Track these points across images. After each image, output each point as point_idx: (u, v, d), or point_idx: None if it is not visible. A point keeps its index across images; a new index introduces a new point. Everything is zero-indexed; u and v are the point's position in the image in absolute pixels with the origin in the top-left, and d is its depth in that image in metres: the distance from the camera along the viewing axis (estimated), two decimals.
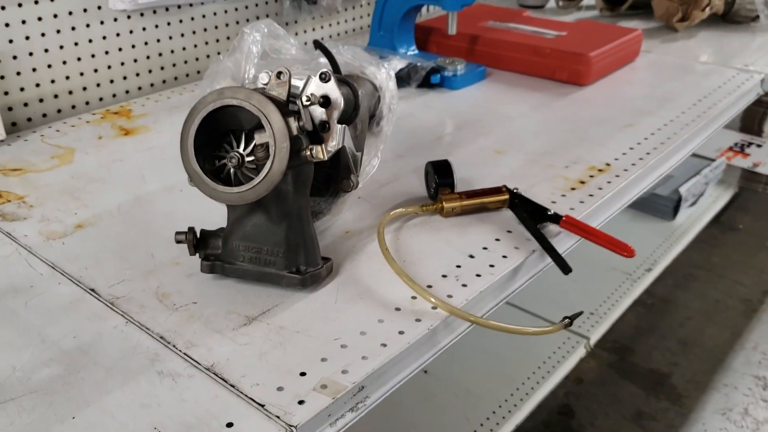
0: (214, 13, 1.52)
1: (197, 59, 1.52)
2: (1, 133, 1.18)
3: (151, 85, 1.46)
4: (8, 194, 1.04)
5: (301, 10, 1.62)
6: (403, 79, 1.44)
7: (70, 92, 1.34)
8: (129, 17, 1.38)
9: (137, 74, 1.43)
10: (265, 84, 0.85)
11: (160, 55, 1.46)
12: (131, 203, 1.01)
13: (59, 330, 0.75)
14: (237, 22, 1.57)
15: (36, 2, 1.24)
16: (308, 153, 0.75)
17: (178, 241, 0.81)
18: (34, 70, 1.28)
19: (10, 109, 1.27)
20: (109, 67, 1.38)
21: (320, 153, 0.76)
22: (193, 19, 1.48)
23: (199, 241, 0.82)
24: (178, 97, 1.42)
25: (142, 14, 1.39)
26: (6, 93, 1.25)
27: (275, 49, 1.00)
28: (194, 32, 1.49)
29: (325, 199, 0.88)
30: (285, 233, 0.78)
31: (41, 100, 1.30)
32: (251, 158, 0.76)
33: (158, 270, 0.85)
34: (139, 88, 1.44)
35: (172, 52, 1.47)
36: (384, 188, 1.03)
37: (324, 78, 0.78)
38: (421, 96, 1.42)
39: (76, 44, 1.32)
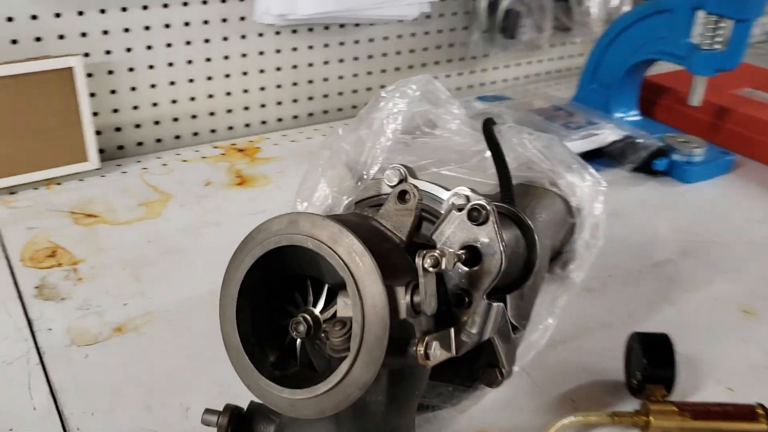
0: (385, 38, 1.22)
1: (355, 91, 1.23)
2: (93, 162, 0.96)
3: (294, 117, 1.19)
4: (64, 254, 0.80)
5: (494, 44, 1.28)
6: (613, 156, 1.06)
7: (194, 116, 1.10)
8: (278, 33, 1.11)
9: (279, 103, 1.17)
10: (392, 186, 0.54)
11: (310, 82, 1.18)
12: (201, 302, 0.73)
13: None
14: (411, 51, 1.26)
15: (165, 5, 1.01)
16: (420, 351, 0.42)
17: (206, 423, 0.51)
18: (152, 86, 1.05)
19: (118, 129, 1.05)
20: (246, 91, 1.13)
21: (443, 351, 0.43)
22: (357, 42, 1.19)
23: (237, 427, 0.51)
24: (320, 138, 1.14)
25: (294, 31, 1.12)
26: (115, 111, 1.04)
27: (428, 120, 0.68)
28: (356, 58, 1.21)
29: (454, 387, 0.55)
30: None
31: (157, 123, 1.07)
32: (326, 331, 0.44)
33: None
34: (279, 120, 1.18)
35: (325, 80, 1.19)
36: (556, 351, 0.67)
37: (476, 218, 0.44)
38: (636, 185, 1.03)
39: (208, 60, 1.07)
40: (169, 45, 1.03)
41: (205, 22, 1.05)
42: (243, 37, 1.09)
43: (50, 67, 0.89)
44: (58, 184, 0.96)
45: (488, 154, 0.60)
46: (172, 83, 1.06)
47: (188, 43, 1.04)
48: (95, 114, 1.02)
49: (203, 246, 0.84)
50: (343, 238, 0.41)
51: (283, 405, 0.43)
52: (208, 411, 0.51)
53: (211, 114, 1.11)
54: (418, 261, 0.40)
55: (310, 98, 1.20)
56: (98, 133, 1.03)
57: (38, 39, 0.94)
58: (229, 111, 1.13)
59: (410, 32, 1.24)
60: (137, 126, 1.06)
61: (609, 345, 0.68)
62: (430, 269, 0.40)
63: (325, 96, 1.21)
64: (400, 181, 0.56)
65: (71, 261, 0.79)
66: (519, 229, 0.48)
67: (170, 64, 1.05)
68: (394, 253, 0.44)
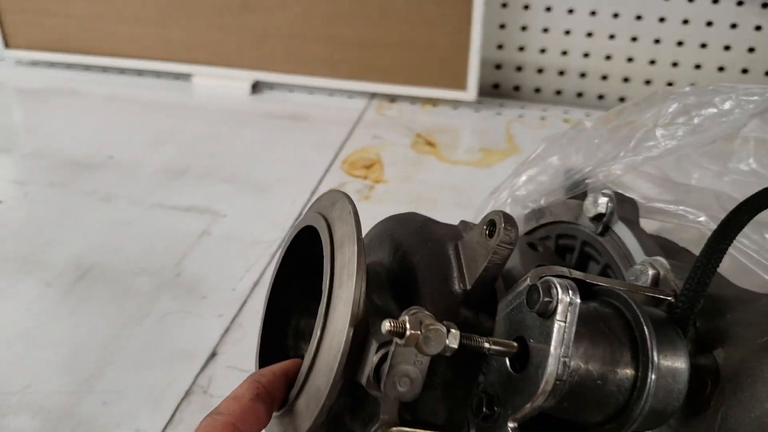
0: None
1: None
2: (471, 93, 0.93)
3: None
4: (377, 170, 0.81)
5: None
6: None
7: (604, 77, 0.97)
8: (740, 4, 0.88)
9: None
10: (591, 217, 0.39)
11: (767, 74, 0.92)
12: None
13: None
14: None
15: None
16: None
17: None
18: (566, 32, 0.95)
19: (519, 69, 0.99)
20: (675, 64, 0.94)
21: None
22: None
23: None
24: None
25: (765, 5, 0.88)
26: (521, 48, 0.97)
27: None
28: None
29: None
30: None
31: (561, 73, 0.98)
32: None
33: None
34: None
35: None
36: None
37: (534, 302, 0.28)
38: None
39: (638, 18, 0.92)
40: None
41: None
42: (690, 0, 0.89)
43: None
44: (434, 105, 0.96)
45: None
46: (589, 35, 0.94)
47: None
48: (499, 47, 0.98)
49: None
50: (348, 246, 0.31)
51: None
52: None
53: (625, 80, 0.96)
54: (384, 323, 0.27)
55: None
56: (498, 67, 0.99)
57: None
58: (648, 82, 0.96)
59: None
60: (540, 71, 0.98)
61: None
62: (392, 339, 0.27)
63: None
64: (601, 216, 0.40)
65: (376, 179, 0.80)
66: (630, 353, 0.29)
67: (593, 13, 0.93)
68: (428, 297, 0.32)
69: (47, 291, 0.63)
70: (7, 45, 1.07)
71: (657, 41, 0.93)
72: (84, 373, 0.55)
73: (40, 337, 0.58)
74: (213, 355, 0.56)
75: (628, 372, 0.29)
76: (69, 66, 1.06)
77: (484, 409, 0.30)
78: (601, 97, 0.98)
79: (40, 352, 0.57)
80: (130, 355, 0.56)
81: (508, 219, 0.31)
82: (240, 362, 0.56)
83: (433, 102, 0.96)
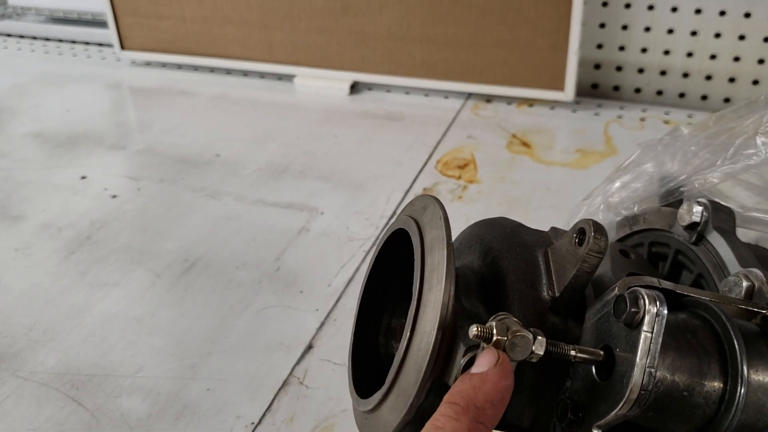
0: None
1: None
2: (568, 94, 0.92)
3: None
4: (471, 170, 0.82)
5: None
6: None
7: (708, 77, 0.94)
8: None
9: None
10: (685, 226, 0.39)
11: None
12: None
13: None
14: None
15: None
16: None
17: None
18: (670, 31, 0.92)
19: (618, 68, 0.97)
20: (761, 61, 0.90)
21: None
22: None
23: None
24: None
25: None
26: (621, 48, 0.96)
27: None
28: None
29: None
30: None
31: (663, 73, 0.95)
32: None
33: None
34: None
35: None
36: None
37: (621, 312, 0.28)
38: None
39: (746, 16, 0.88)
40: None
41: None
42: None
43: None
44: (530, 105, 0.96)
45: None
46: (694, 33, 0.91)
47: None
48: (599, 47, 0.96)
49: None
50: (438, 250, 0.32)
51: (357, 414, 0.38)
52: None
53: (731, 80, 0.93)
54: (471, 328, 0.28)
55: None
56: (597, 67, 0.98)
57: None
58: (755, 82, 0.92)
59: None
60: (640, 71, 0.96)
61: None
62: (479, 343, 0.28)
63: None
64: (695, 224, 0.39)
65: (469, 179, 0.80)
66: (719, 366, 0.28)
67: (698, 11, 0.90)
68: (516, 303, 0.33)
69: (157, 281, 0.67)
70: (122, 46, 1.14)
71: (742, 37, 0.89)
72: (189, 359, 0.58)
73: (150, 324, 0.62)
74: (309, 348, 0.59)
75: (716, 385, 0.29)
76: (179, 66, 1.12)
77: (569, 415, 0.30)
78: (704, 97, 0.95)
79: (149, 339, 0.61)
80: (232, 345, 0.60)
81: (598, 228, 0.32)
82: (334, 356, 0.58)
83: (530, 102, 0.96)
